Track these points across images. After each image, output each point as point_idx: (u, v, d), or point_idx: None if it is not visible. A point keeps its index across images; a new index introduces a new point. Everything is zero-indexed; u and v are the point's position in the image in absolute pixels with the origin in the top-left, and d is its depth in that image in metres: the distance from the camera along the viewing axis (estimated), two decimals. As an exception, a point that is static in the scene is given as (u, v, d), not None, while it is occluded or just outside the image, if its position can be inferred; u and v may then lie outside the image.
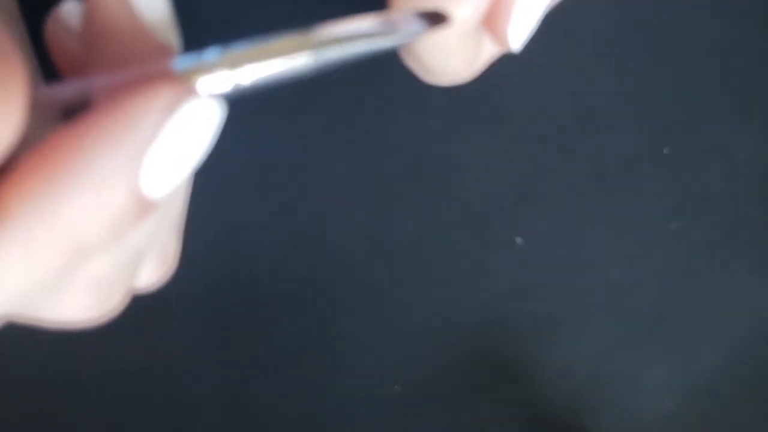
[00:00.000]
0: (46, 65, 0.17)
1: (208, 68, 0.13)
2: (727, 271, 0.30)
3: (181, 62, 0.13)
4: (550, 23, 0.20)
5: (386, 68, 0.29)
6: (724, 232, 0.30)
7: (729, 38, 0.30)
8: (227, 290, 0.29)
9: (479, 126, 0.29)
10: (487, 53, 0.21)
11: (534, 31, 0.19)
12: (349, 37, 0.16)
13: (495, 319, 0.30)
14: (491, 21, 0.19)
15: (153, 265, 0.18)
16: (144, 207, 0.13)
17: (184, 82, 0.13)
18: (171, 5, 0.16)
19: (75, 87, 0.14)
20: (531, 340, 0.30)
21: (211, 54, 0.13)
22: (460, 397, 0.30)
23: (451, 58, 0.20)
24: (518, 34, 0.18)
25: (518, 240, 0.30)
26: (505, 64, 0.23)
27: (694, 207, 0.30)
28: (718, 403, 0.30)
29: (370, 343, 0.30)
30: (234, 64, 0.14)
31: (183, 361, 0.30)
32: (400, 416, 0.30)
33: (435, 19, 0.18)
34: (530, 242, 0.30)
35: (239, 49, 0.14)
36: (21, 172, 0.12)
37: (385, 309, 0.30)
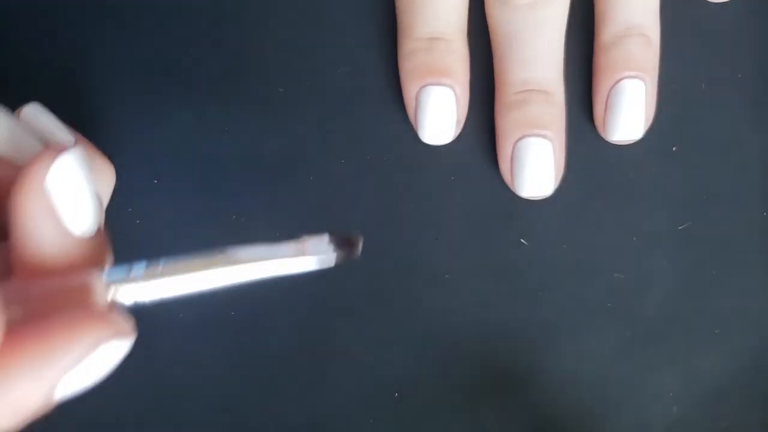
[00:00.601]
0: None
1: (134, 280, 0.16)
2: (736, 274, 0.30)
3: (111, 274, 0.15)
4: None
5: (387, 68, 0.29)
6: (733, 234, 0.30)
7: (740, 35, 0.30)
8: (221, 295, 0.29)
9: (480, 126, 0.29)
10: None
11: None
12: (262, 259, 0.17)
13: (498, 323, 0.29)
14: None
15: None
16: (48, 407, 0.15)
17: (107, 319, 0.15)
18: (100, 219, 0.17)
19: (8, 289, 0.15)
20: (535, 344, 0.29)
21: (138, 268, 0.16)
22: (462, 403, 0.29)
23: None
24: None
25: (523, 241, 0.29)
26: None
27: (703, 207, 0.29)
28: (726, 408, 0.30)
29: (369, 348, 0.29)
30: (156, 277, 0.16)
31: (178, 367, 0.29)
32: (401, 423, 0.29)
33: (347, 243, 0.19)
34: (535, 244, 0.29)
35: (162, 264, 0.16)
36: None
37: (385, 313, 0.29)
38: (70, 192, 0.16)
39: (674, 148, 0.29)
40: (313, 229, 0.29)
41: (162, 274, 0.16)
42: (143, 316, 0.29)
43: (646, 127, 0.28)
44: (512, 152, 0.27)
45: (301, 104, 0.29)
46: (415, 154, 0.29)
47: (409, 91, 0.27)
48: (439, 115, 0.27)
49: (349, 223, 0.29)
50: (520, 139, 0.27)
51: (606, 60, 0.27)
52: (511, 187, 0.28)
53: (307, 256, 0.18)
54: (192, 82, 0.28)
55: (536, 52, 0.27)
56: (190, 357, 0.29)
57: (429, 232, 0.29)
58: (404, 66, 0.27)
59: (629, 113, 0.27)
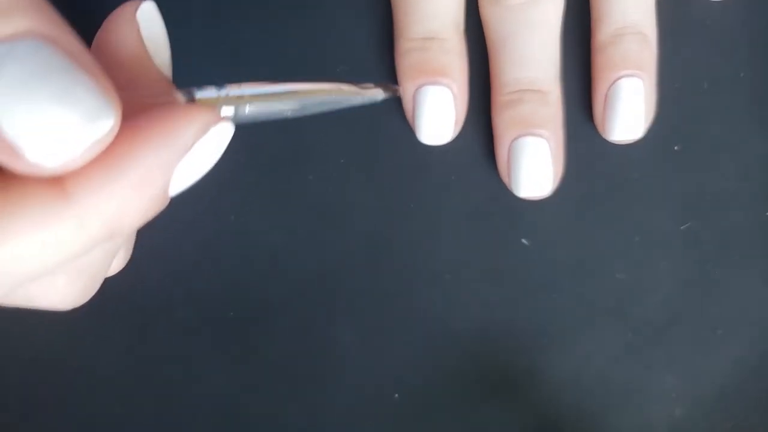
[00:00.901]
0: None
1: (225, 100, 0.18)
2: (739, 275, 0.29)
3: (204, 93, 0.17)
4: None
5: (386, 67, 0.29)
6: (736, 234, 0.29)
7: (741, 34, 0.29)
8: (221, 294, 0.29)
9: (480, 125, 0.29)
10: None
11: None
12: (328, 92, 0.21)
13: (499, 324, 0.29)
14: None
15: (121, 255, 0.22)
16: (164, 203, 0.16)
17: (212, 109, 0.17)
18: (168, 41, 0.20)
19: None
20: (536, 345, 0.29)
21: (226, 89, 0.18)
22: (462, 404, 0.29)
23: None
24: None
25: (524, 241, 0.29)
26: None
27: (706, 207, 0.29)
28: (729, 410, 0.30)
29: (369, 349, 0.29)
30: (242, 99, 0.18)
31: (177, 369, 0.29)
32: (400, 424, 0.29)
33: (390, 89, 0.24)
34: (537, 244, 0.29)
35: (247, 86, 0.18)
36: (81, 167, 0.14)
37: (385, 314, 0.29)
38: (154, 27, 0.19)
39: (676, 148, 0.29)
40: (314, 229, 0.29)
41: (247, 94, 0.18)
42: (143, 316, 0.29)
43: (646, 126, 0.28)
44: (508, 152, 0.27)
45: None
46: (415, 154, 0.29)
47: (406, 91, 0.27)
48: (436, 115, 0.27)
49: (349, 223, 0.29)
50: (516, 139, 0.27)
51: (604, 59, 0.27)
52: (509, 188, 0.28)
53: (364, 91, 0.23)
54: (192, 82, 0.28)
55: (529, 52, 0.27)
56: (189, 357, 0.29)
57: (429, 232, 0.29)
58: (400, 66, 0.27)
59: (628, 112, 0.27)
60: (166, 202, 0.16)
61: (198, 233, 0.29)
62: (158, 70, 0.19)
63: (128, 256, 0.22)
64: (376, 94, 0.23)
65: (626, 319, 0.29)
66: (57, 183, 0.14)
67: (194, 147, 0.15)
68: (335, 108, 0.22)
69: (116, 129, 0.14)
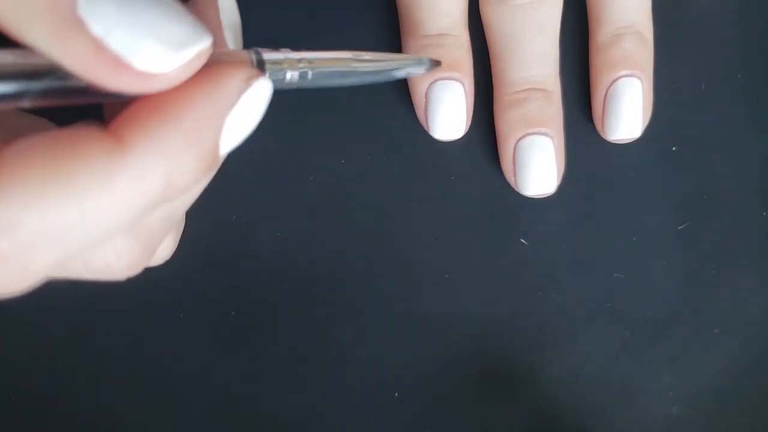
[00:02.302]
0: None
1: (290, 63, 0.18)
2: (736, 273, 0.30)
3: (253, 54, 0.17)
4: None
5: None
6: (733, 234, 0.30)
7: (739, 35, 0.29)
8: (222, 294, 0.29)
9: (480, 125, 0.29)
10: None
11: None
12: (381, 61, 0.22)
13: (498, 323, 0.29)
14: None
15: (171, 238, 0.21)
16: (216, 161, 0.16)
17: (252, 65, 0.17)
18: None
19: None
20: (535, 344, 0.29)
21: (291, 54, 0.18)
22: (461, 403, 0.29)
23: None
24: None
25: (523, 241, 0.29)
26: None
27: (703, 207, 0.29)
28: (726, 408, 0.30)
29: (369, 348, 0.29)
30: (306, 63, 0.19)
31: (176, 368, 0.29)
32: (401, 423, 0.29)
33: (432, 63, 0.25)
34: (535, 244, 0.29)
35: (308, 53, 0.19)
36: (136, 116, 0.15)
37: (384, 314, 0.29)
38: (231, 17, 0.20)
39: (674, 148, 0.29)
40: (314, 229, 0.29)
41: (313, 61, 0.19)
42: (144, 315, 0.29)
43: (645, 125, 0.28)
44: (514, 151, 0.27)
45: (301, 104, 0.29)
46: (414, 154, 0.29)
47: (419, 88, 0.27)
48: (451, 111, 0.27)
49: (349, 223, 0.29)
50: (522, 138, 0.27)
51: (602, 59, 0.27)
52: (515, 187, 0.28)
53: (410, 65, 0.24)
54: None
55: (534, 51, 0.27)
56: (190, 355, 0.29)
57: (429, 232, 0.29)
58: None
59: (627, 111, 0.27)
60: (217, 165, 0.16)
61: (199, 233, 0.29)
62: (224, 39, 0.20)
63: (176, 244, 0.22)
64: (423, 63, 0.24)
65: (624, 318, 0.29)
66: (113, 136, 0.14)
67: (239, 103, 0.16)
68: (386, 79, 0.23)
69: (212, 49, 0.15)
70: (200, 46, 0.14)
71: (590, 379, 0.29)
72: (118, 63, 0.14)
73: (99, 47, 0.13)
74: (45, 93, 0.14)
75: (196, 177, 0.15)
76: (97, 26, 0.13)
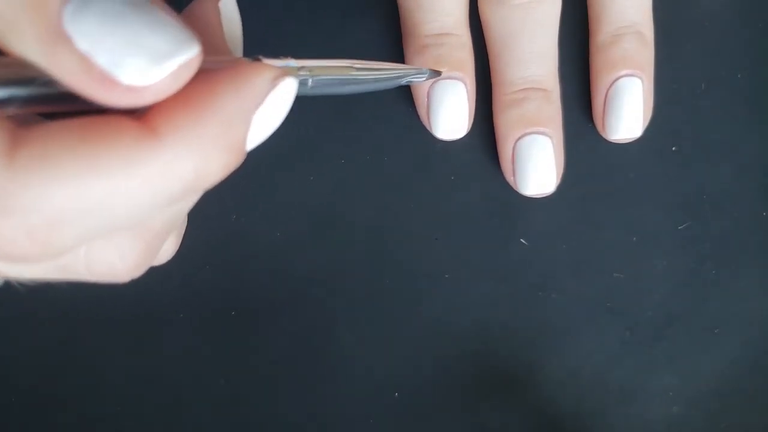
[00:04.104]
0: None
1: (290, 71, 0.18)
2: (736, 274, 0.30)
3: (270, 62, 0.18)
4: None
5: None
6: (733, 234, 0.29)
7: (739, 35, 0.29)
8: (222, 294, 0.29)
9: (479, 125, 0.29)
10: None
11: None
12: (381, 70, 0.22)
13: (498, 323, 0.29)
14: None
15: (173, 238, 0.21)
16: (242, 157, 0.16)
17: (276, 66, 0.17)
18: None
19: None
20: (535, 344, 0.29)
21: (292, 62, 0.19)
22: (461, 403, 0.29)
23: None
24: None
25: (523, 241, 0.29)
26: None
27: (703, 207, 0.29)
28: (726, 408, 0.30)
29: (369, 348, 0.29)
30: (306, 71, 0.19)
31: (176, 368, 0.29)
32: (401, 423, 0.29)
33: (434, 73, 0.26)
34: (535, 244, 0.29)
35: (308, 61, 0.19)
36: (169, 108, 0.15)
37: (384, 314, 0.29)
38: (232, 23, 0.21)
39: (674, 148, 0.29)
40: (314, 229, 0.29)
41: (310, 68, 0.19)
42: (144, 315, 0.29)
43: (645, 125, 0.28)
44: (513, 151, 0.27)
45: (301, 104, 0.29)
46: (414, 154, 0.29)
47: (421, 87, 0.27)
48: (453, 110, 0.27)
49: (349, 223, 0.29)
50: (521, 137, 0.27)
51: (603, 59, 0.27)
52: (514, 187, 0.28)
53: (411, 74, 0.24)
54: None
55: (534, 51, 0.27)
56: (190, 355, 0.29)
57: (429, 232, 0.29)
58: (416, 62, 0.27)
59: (628, 111, 0.27)
60: (242, 158, 0.17)
61: (199, 233, 0.29)
62: (226, 48, 0.20)
63: (178, 245, 0.22)
64: (423, 72, 0.25)
65: (624, 318, 0.29)
66: (147, 124, 0.15)
67: (266, 99, 0.16)
68: (384, 87, 0.23)
69: (200, 57, 0.15)
70: (187, 56, 0.14)
71: (590, 379, 0.29)
72: (105, 78, 0.14)
73: (87, 63, 0.13)
74: (31, 99, 0.14)
75: (223, 170, 0.16)
76: (82, 41, 0.13)
